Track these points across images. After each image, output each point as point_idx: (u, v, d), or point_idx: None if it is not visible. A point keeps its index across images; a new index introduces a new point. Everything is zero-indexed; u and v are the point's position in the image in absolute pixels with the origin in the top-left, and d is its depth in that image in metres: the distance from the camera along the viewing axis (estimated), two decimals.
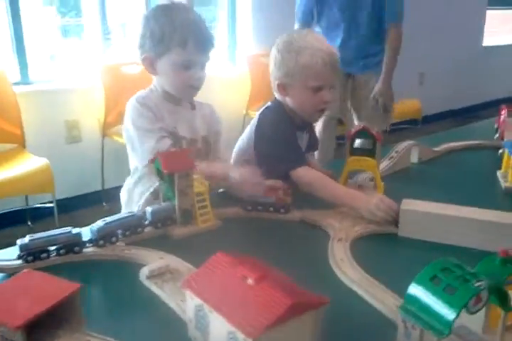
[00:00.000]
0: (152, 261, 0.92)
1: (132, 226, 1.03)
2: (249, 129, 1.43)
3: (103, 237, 0.98)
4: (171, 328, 0.76)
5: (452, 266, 0.69)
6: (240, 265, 0.69)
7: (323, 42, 1.34)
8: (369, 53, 2.63)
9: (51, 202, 2.48)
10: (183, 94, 1.35)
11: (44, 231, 0.95)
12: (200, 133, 1.39)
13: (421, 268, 0.69)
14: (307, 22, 2.58)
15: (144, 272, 0.87)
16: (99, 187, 3.03)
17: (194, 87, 1.32)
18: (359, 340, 0.76)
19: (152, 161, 1.05)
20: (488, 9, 5.48)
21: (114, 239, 0.99)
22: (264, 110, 1.43)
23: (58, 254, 0.94)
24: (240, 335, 0.61)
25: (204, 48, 1.28)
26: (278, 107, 1.40)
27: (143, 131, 1.26)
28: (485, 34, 5.57)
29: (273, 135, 1.35)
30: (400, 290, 0.76)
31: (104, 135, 2.92)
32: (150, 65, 1.31)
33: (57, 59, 3.31)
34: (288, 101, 1.37)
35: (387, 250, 1.04)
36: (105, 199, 2.96)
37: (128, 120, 1.29)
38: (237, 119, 3.37)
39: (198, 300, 0.70)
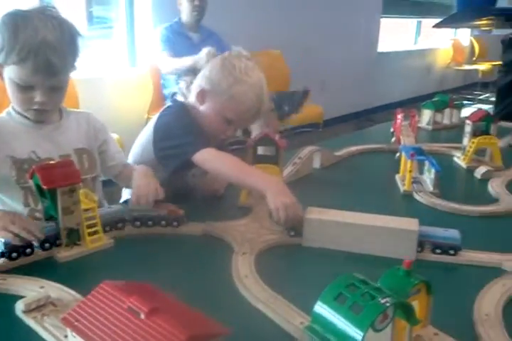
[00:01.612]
0: (31, 292, 0.80)
1: None
2: (144, 132, 1.34)
3: None
4: None
5: (357, 282, 0.66)
6: (129, 296, 0.61)
7: (262, 85, 1.26)
8: None
9: None
10: (29, 115, 1.14)
11: None
12: (72, 147, 1.19)
13: (327, 280, 0.66)
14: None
15: (19, 306, 0.75)
16: None
17: (38, 110, 1.11)
18: None
19: (30, 176, 0.92)
20: (382, 17, 5.79)
21: None
22: (164, 108, 1.35)
23: None
24: None
25: (47, 72, 1.05)
26: (180, 107, 1.33)
27: None
28: (380, 41, 5.88)
29: (172, 124, 1.27)
30: (307, 307, 0.72)
31: None
32: None
33: None
34: (201, 109, 1.30)
35: (292, 262, 1.01)
36: None
37: None
38: (139, 123, 3.20)
39: (80, 340, 0.61)
